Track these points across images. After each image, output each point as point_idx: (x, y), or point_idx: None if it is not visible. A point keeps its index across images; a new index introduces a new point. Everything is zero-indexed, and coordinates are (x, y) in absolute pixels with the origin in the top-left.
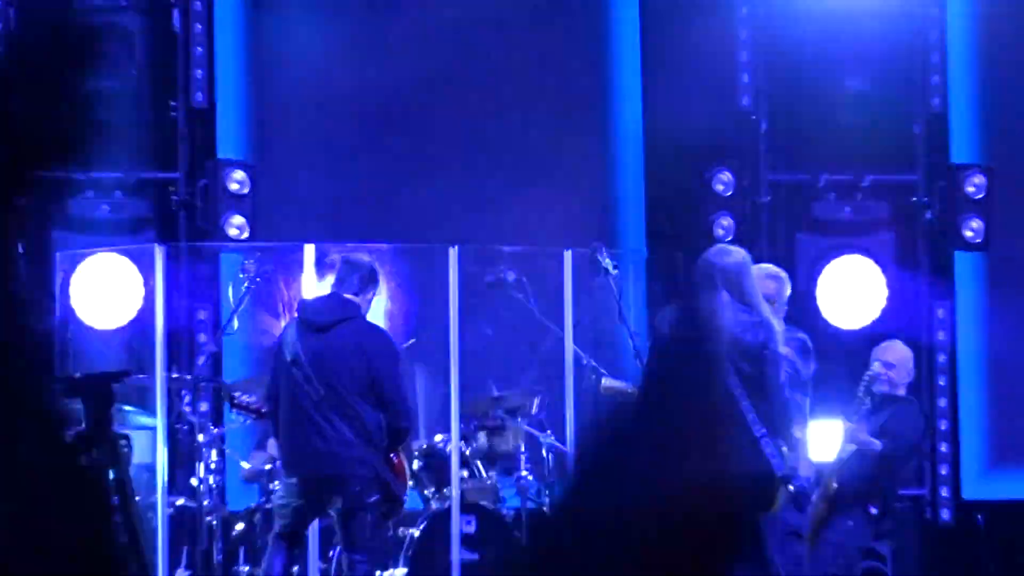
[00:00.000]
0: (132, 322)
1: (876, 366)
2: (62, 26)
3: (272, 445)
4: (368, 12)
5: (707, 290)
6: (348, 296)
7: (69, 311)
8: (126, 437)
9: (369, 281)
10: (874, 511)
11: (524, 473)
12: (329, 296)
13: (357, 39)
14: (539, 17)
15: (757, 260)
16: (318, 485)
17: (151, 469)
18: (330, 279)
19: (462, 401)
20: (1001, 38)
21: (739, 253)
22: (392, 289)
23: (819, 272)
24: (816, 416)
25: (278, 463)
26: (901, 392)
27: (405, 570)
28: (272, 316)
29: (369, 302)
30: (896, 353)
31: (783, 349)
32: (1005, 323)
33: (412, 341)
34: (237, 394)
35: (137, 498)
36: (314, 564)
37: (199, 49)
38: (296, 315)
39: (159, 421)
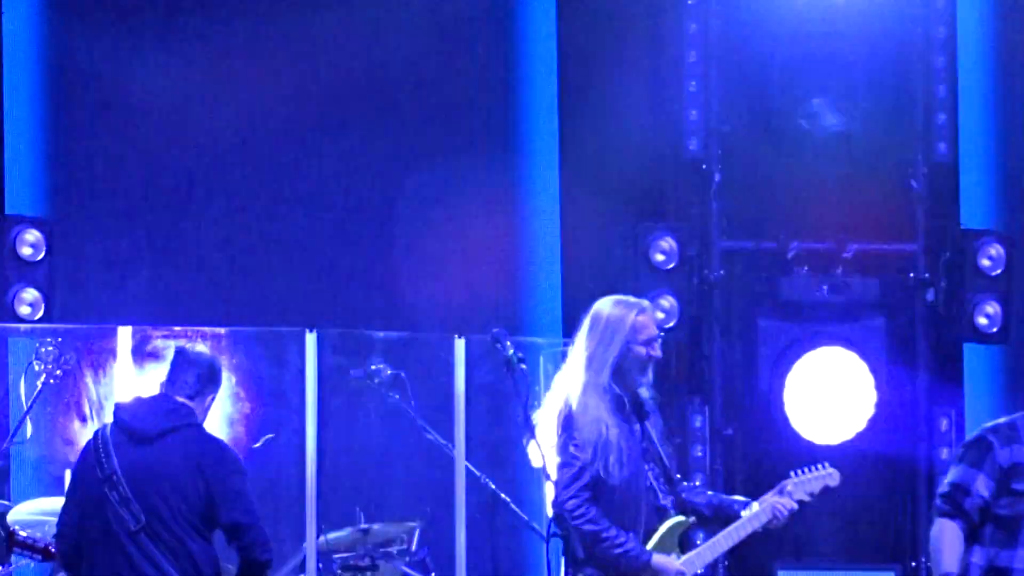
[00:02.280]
0: None
1: None
2: None
3: None
4: (219, 44)
5: None
6: (181, 399)
7: None
8: None
9: (209, 381)
10: None
11: None
12: (156, 398)
13: (198, 72)
14: (431, 48)
15: (707, 349)
16: None
17: None
18: (154, 374)
19: (321, 533)
20: None
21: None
22: (233, 387)
23: (787, 369)
24: None
25: None
26: None
27: None
28: (78, 420)
29: (207, 408)
30: None
31: None
32: None
33: (269, 436)
34: (16, 528)
35: None
36: None
37: None
38: (111, 420)
39: None
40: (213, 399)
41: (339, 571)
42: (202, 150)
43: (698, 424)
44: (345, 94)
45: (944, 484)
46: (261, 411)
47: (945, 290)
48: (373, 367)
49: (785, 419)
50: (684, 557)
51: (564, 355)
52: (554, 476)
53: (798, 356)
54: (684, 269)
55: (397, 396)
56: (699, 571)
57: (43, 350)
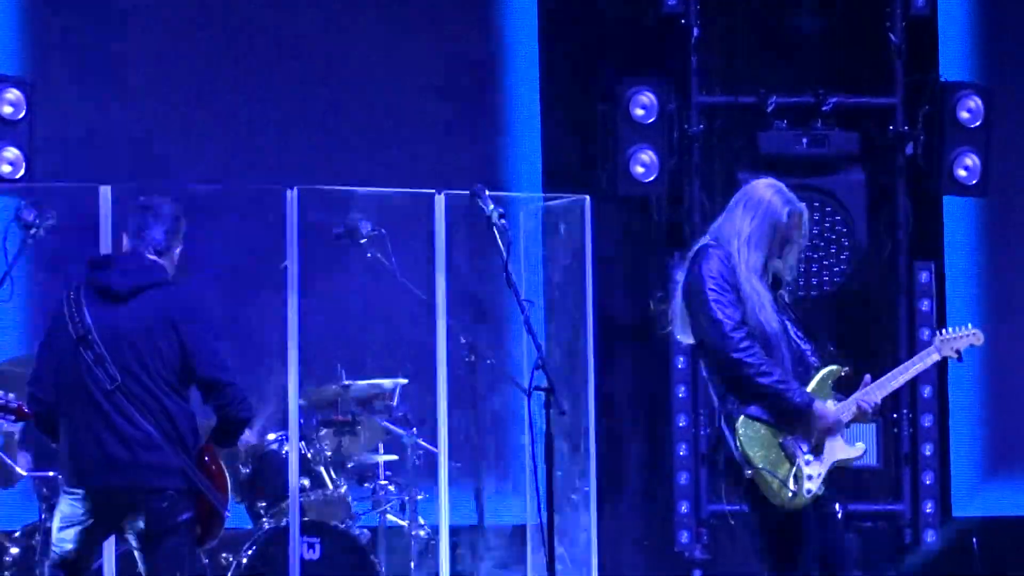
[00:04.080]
0: None
1: None
2: None
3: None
4: None
5: None
6: (152, 256)
7: None
8: None
9: (175, 233)
10: None
11: (383, 482)
12: (127, 256)
13: None
14: None
15: (688, 205)
16: (112, 500)
17: None
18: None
19: (302, 389)
20: None
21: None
22: (213, 244)
23: None
24: None
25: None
26: None
27: None
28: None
29: (175, 260)
30: None
31: None
32: (1006, 292)
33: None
34: None
35: None
36: None
37: None
38: (83, 278)
39: None
40: (180, 250)
41: (320, 427)
42: (184, 8)
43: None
44: None
45: None
46: (243, 268)
47: (924, 143)
48: (352, 222)
49: None
50: (840, 404)
51: (544, 210)
52: (708, 320)
53: None
54: (664, 124)
55: (379, 253)
56: (870, 407)
57: (24, 209)
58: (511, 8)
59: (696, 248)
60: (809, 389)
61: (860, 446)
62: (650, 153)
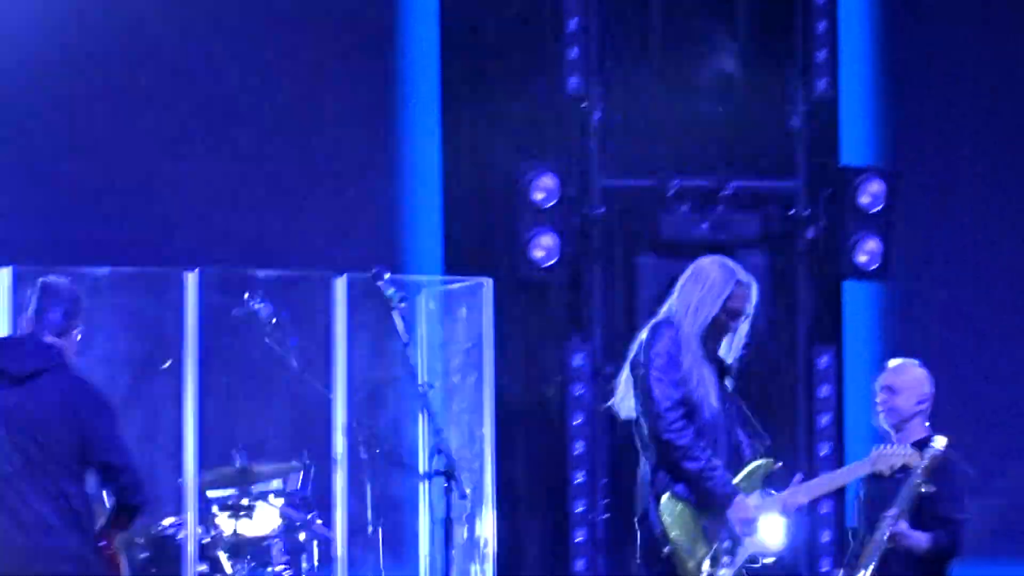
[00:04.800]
0: None
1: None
2: None
3: None
4: None
5: None
6: (50, 339)
7: None
8: None
9: (75, 315)
10: None
11: (280, 567)
12: (25, 338)
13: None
14: None
15: (588, 289)
16: None
17: None
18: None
19: (200, 474)
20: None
21: None
22: (112, 327)
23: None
24: None
25: None
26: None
27: None
28: None
29: (75, 342)
30: (904, 374)
31: None
32: None
33: (169, 363)
34: None
35: None
36: None
37: None
38: None
39: None
40: (79, 333)
41: (217, 511)
42: (79, 85)
43: (578, 363)
44: (222, 28)
45: None
46: (142, 351)
47: (825, 227)
48: (255, 306)
49: None
50: (765, 500)
51: (445, 293)
52: (646, 396)
53: None
54: (564, 207)
55: (278, 335)
56: (786, 511)
57: None
58: (412, 89)
59: (651, 323)
60: (737, 480)
61: (781, 542)
62: (551, 236)
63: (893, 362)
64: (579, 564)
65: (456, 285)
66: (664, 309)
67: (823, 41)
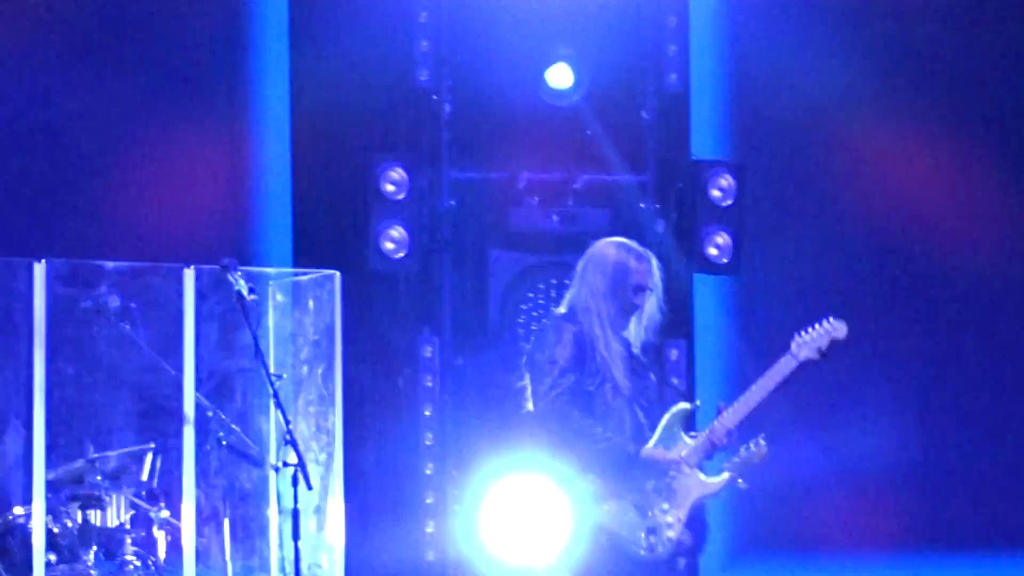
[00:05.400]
0: None
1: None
2: None
3: None
4: None
5: None
6: None
7: None
8: None
9: None
10: None
11: (130, 557)
12: None
13: None
14: None
15: (438, 281)
16: None
17: None
18: None
19: (49, 464)
20: None
21: None
22: None
23: (518, 299)
24: None
25: None
26: None
27: None
28: None
29: None
30: None
31: None
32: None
33: None
34: None
35: None
36: None
37: None
38: None
39: None
40: None
41: (67, 502)
42: None
43: (428, 354)
44: (72, 21)
45: None
46: None
47: (675, 221)
48: (102, 298)
49: (517, 348)
50: (694, 442)
51: (295, 285)
52: (536, 393)
53: (528, 287)
54: (414, 199)
55: (127, 327)
56: (720, 438)
57: None
58: (263, 79)
59: (552, 318)
60: (656, 436)
61: (724, 476)
62: (400, 229)
63: None
64: (429, 555)
65: (305, 277)
66: (566, 300)
67: (673, 36)
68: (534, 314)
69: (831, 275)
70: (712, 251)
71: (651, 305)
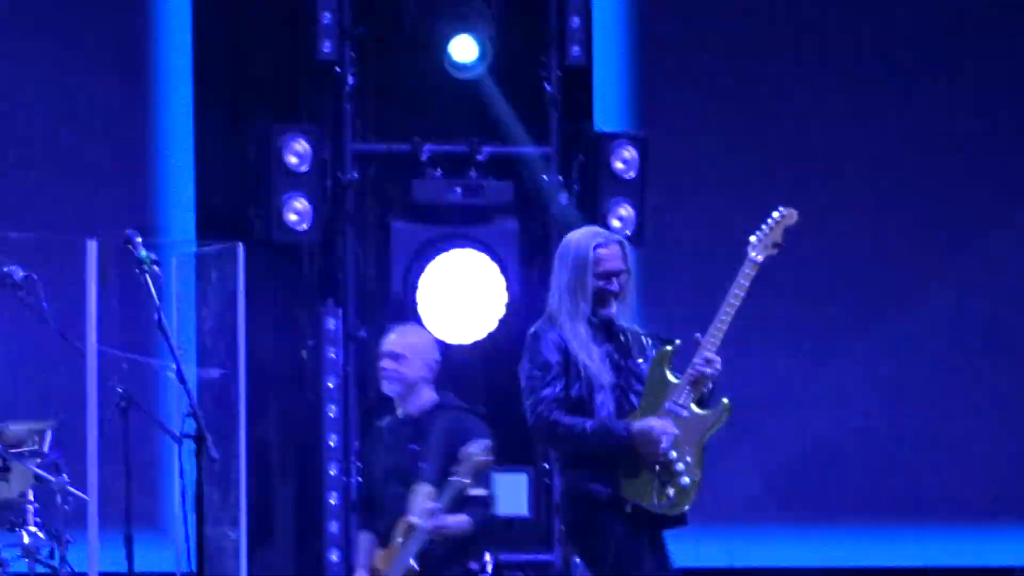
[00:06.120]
0: None
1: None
2: None
3: None
4: None
5: None
6: None
7: None
8: None
9: None
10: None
11: (32, 528)
12: None
13: None
14: None
15: (341, 253)
16: None
17: None
18: None
19: None
20: None
21: None
22: None
23: (420, 270)
24: None
25: None
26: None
27: None
28: None
29: None
30: (409, 338)
31: None
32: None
33: None
34: None
35: None
36: None
37: None
38: None
39: None
40: None
41: None
42: None
43: (331, 326)
44: None
45: None
46: None
47: (579, 193)
48: (4, 268)
49: (419, 320)
50: (681, 381)
51: (198, 257)
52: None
53: (431, 258)
54: (317, 171)
55: (31, 298)
56: (701, 370)
57: None
58: (165, 49)
59: (531, 330)
60: (644, 398)
61: (723, 402)
62: (303, 201)
63: (397, 329)
64: (332, 526)
65: (209, 249)
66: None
67: (576, 8)
68: (436, 286)
69: (736, 249)
70: (615, 223)
71: (628, 287)
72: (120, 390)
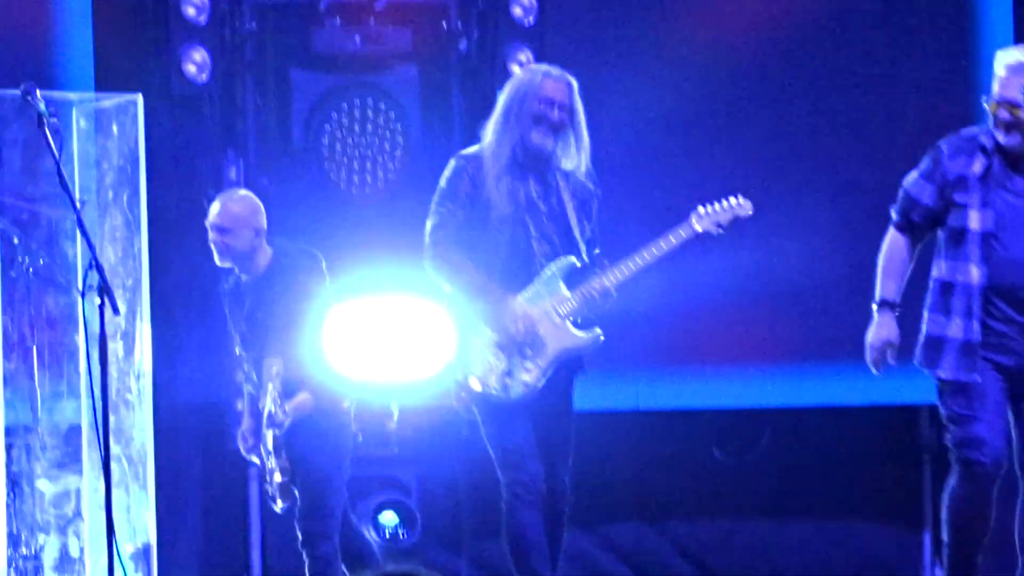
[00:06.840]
0: None
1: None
2: None
3: None
4: None
5: None
6: None
7: None
8: None
9: None
10: None
11: None
12: None
13: None
14: None
15: (240, 104)
16: None
17: None
18: None
19: None
20: None
21: None
22: None
23: (322, 119)
24: None
25: None
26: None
27: None
28: None
29: None
30: (232, 208)
31: None
32: None
33: None
34: None
35: None
36: None
37: None
38: None
39: None
40: None
41: None
42: None
43: (233, 176)
44: None
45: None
46: None
47: (478, 40)
48: None
49: (321, 168)
50: (570, 294)
51: (97, 110)
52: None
53: (332, 107)
54: (216, 23)
55: None
56: (595, 293)
57: None
58: None
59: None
60: (533, 286)
61: (595, 331)
62: (203, 52)
63: (220, 199)
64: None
65: (108, 102)
66: None
67: None
68: (337, 135)
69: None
70: (515, 68)
71: (580, 127)
72: (16, 241)
